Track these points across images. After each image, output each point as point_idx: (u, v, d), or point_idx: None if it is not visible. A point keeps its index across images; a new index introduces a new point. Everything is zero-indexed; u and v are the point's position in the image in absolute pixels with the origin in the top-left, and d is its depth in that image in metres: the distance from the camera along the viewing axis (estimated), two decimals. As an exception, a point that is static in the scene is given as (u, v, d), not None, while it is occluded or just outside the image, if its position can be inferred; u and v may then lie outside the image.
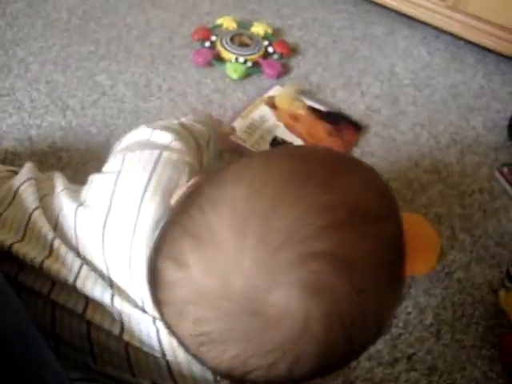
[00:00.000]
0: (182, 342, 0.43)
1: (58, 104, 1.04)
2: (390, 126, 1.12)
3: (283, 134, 1.01)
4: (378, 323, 0.42)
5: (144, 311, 0.49)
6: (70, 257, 0.52)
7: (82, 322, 0.51)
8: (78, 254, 0.52)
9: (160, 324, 0.48)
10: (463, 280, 0.86)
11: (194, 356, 0.43)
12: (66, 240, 0.53)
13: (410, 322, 0.80)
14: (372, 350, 0.75)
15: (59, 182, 0.61)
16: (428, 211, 0.96)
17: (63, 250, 0.52)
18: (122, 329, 0.50)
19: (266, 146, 0.98)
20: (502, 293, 0.82)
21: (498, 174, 1.04)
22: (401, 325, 0.79)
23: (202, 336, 0.41)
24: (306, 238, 0.38)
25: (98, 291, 0.50)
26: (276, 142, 0.99)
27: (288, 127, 1.02)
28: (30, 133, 0.98)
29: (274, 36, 1.27)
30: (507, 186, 1.02)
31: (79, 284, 0.50)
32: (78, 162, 0.94)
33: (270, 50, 1.21)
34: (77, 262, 0.51)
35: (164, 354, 0.49)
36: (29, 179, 0.61)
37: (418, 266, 0.84)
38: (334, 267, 0.38)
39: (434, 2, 1.33)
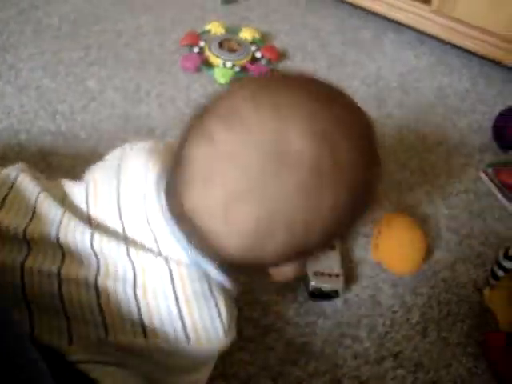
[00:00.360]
0: (208, 214, 0.49)
1: (47, 109, 1.05)
2: (378, 128, 1.12)
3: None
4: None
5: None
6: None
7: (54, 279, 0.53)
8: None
9: (138, 264, 0.53)
10: (449, 279, 0.87)
11: (222, 225, 0.49)
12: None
13: (397, 320, 0.80)
14: (359, 348, 0.76)
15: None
16: (415, 211, 0.97)
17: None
18: (98, 270, 0.54)
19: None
20: (486, 291, 0.83)
21: (483, 175, 1.06)
22: (388, 323, 0.80)
23: (229, 197, 0.47)
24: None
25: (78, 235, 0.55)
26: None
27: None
28: (19, 137, 0.98)
29: (262, 41, 1.29)
30: (492, 187, 1.03)
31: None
32: (67, 166, 0.94)
33: (258, 54, 1.22)
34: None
35: (138, 302, 0.52)
36: (23, 170, 0.64)
37: (405, 265, 0.85)
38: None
39: (419, 6, 1.35)
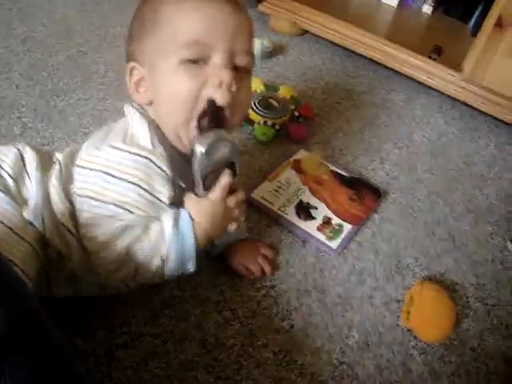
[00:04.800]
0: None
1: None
2: (408, 193, 1.17)
3: (308, 198, 1.07)
4: None
5: None
6: None
7: None
8: None
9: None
10: (477, 349, 0.90)
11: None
12: None
13: (426, 388, 0.83)
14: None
15: None
16: (444, 279, 1.00)
17: None
18: None
19: (291, 210, 1.03)
20: (514, 365, 0.85)
21: (510, 245, 1.09)
22: (417, 391, 0.82)
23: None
24: None
25: None
26: (301, 206, 1.04)
27: (312, 191, 1.08)
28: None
29: (300, 99, 1.35)
30: (519, 258, 1.07)
31: None
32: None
33: (296, 113, 1.28)
34: None
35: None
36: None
37: (436, 333, 0.88)
38: None
39: (451, 73, 1.41)
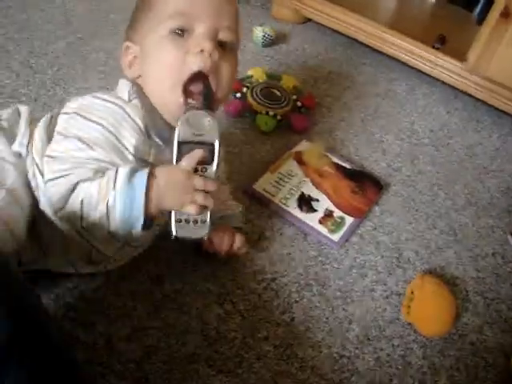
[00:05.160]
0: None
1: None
2: (409, 186, 1.17)
3: (310, 190, 1.06)
4: None
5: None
6: None
7: None
8: None
9: None
10: (476, 343, 0.91)
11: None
12: None
13: (425, 382, 0.84)
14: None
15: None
16: (444, 272, 1.01)
17: None
18: None
19: (293, 203, 1.03)
20: (513, 359, 0.86)
21: (511, 238, 1.09)
22: (416, 384, 0.83)
23: None
24: None
25: None
26: (303, 199, 1.04)
27: (315, 184, 1.08)
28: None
29: (302, 89, 1.34)
30: (520, 251, 1.07)
31: None
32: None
33: (299, 103, 1.27)
34: None
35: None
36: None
37: (436, 328, 0.88)
38: None
39: (454, 63, 1.40)
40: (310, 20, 1.65)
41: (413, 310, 0.89)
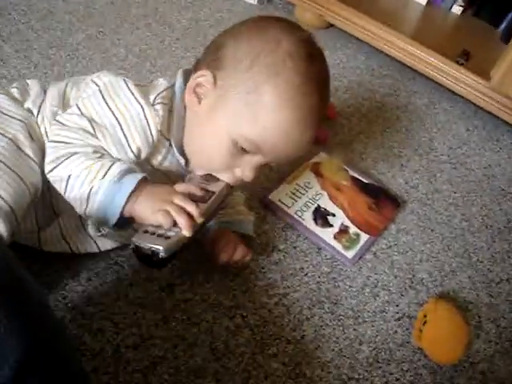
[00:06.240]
0: None
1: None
2: (426, 204, 1.15)
3: (326, 203, 1.05)
4: None
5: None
6: None
7: None
8: None
9: None
10: (487, 372, 0.89)
11: None
12: None
13: (434, 410, 0.82)
14: None
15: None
16: (457, 296, 0.99)
17: None
18: None
19: (308, 216, 1.01)
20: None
21: (526, 265, 1.08)
22: (425, 412, 0.82)
23: None
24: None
25: None
26: (319, 212, 1.03)
27: (331, 197, 1.06)
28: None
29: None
30: (535, 280, 1.05)
31: None
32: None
33: (318, 113, 1.25)
34: None
35: None
36: None
37: (446, 355, 0.87)
38: None
39: (478, 80, 1.37)
40: (332, 25, 1.63)
41: (424, 335, 0.87)
